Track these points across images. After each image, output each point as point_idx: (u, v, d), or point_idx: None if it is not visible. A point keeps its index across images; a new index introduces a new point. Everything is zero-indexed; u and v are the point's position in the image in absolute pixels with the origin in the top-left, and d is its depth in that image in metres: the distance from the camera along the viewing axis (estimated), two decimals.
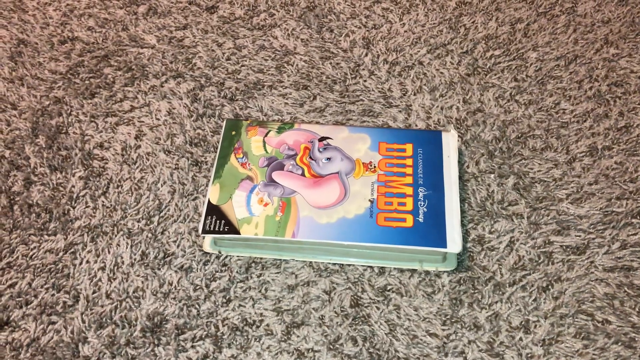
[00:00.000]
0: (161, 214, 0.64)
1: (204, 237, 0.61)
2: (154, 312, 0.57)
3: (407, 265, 0.59)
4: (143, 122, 0.71)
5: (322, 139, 0.65)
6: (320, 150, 0.64)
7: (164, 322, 0.57)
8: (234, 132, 0.66)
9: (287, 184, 0.61)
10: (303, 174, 0.62)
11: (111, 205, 0.65)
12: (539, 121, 0.70)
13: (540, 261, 0.60)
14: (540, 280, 0.59)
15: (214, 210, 0.60)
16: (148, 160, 0.68)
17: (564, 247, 0.61)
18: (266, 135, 0.65)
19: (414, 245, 0.57)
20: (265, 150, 0.64)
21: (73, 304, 0.58)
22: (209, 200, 0.60)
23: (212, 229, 0.58)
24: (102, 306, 0.58)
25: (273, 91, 0.74)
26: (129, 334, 0.56)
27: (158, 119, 0.71)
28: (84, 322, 0.57)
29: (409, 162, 0.63)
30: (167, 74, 0.76)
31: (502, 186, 0.65)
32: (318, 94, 0.74)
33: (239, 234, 0.58)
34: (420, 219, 0.58)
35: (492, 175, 0.66)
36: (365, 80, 0.75)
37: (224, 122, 0.68)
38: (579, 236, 0.61)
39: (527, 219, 0.63)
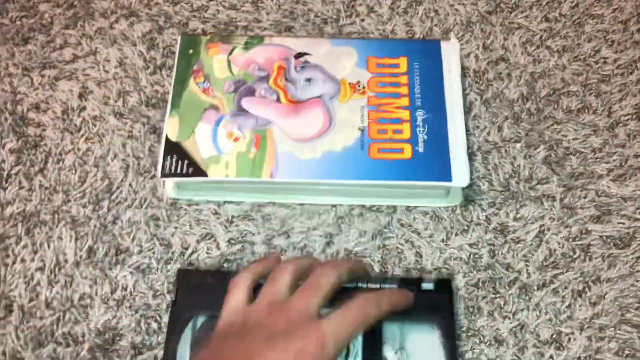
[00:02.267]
0: (112, 198, 0.52)
1: (163, 182, 0.51)
2: (105, 326, 0.47)
3: (404, 202, 0.51)
4: (88, 75, 0.57)
5: (298, 55, 0.54)
6: (298, 69, 0.53)
7: (117, 339, 0.47)
8: (191, 51, 0.54)
9: (260, 113, 0.51)
10: (278, 100, 0.52)
11: (51, 185, 0.52)
12: (574, 74, 0.57)
13: (575, 256, 0.49)
14: (575, 282, 0.48)
15: (173, 149, 0.49)
16: (95, 126, 0.55)
17: (604, 238, 0.50)
18: (231, 53, 0.54)
19: (414, 180, 0.48)
20: (231, 72, 0.53)
21: (5, 315, 0.47)
22: (166, 137, 0.50)
23: (172, 171, 0.48)
24: (41, 318, 0.47)
25: (249, 33, 0.60)
26: (75, 354, 0.46)
27: (107, 72, 0.58)
28: (18, 339, 0.47)
29: (404, 79, 0.53)
30: (117, 12, 0.61)
31: (530, 159, 0.53)
32: (305, 37, 0.60)
33: (207, 176, 0.48)
34: (419, 149, 0.49)
35: (519, 145, 0.54)
36: (362, 20, 0.61)
37: (179, 37, 0.55)
38: (622, 224, 0.51)
39: (560, 201, 0.51)
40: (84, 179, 0.52)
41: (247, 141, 0.49)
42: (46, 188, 0.52)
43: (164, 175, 0.48)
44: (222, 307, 0.40)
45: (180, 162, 0.49)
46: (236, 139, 0.49)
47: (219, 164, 0.49)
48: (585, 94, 0.56)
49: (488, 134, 0.54)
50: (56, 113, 0.56)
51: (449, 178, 0.48)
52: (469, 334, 0.47)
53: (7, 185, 0.52)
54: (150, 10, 0.61)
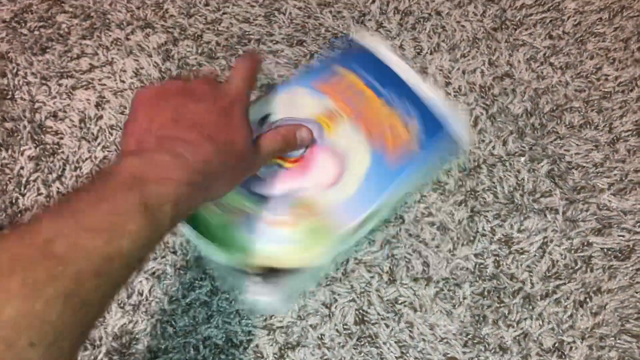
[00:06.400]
0: None
1: None
2: (121, 330, 0.48)
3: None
4: (105, 85, 0.59)
5: (261, 121, 0.51)
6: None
7: (133, 342, 0.48)
8: None
9: (282, 189, 0.50)
10: (282, 167, 0.50)
11: (68, 192, 0.54)
12: (577, 90, 0.59)
13: (577, 268, 0.51)
14: (577, 292, 0.50)
15: None
16: (111, 135, 0.56)
17: (605, 251, 0.52)
18: None
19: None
20: None
21: None
22: None
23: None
24: None
25: (261, 47, 0.62)
26: (93, 357, 0.47)
27: (123, 82, 0.59)
28: None
29: (361, 85, 0.52)
30: (133, 24, 0.62)
31: (533, 173, 0.55)
32: (316, 51, 0.61)
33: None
34: (419, 132, 0.49)
35: (523, 159, 0.56)
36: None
37: None
38: (623, 237, 0.52)
39: (563, 214, 0.53)
40: None
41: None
42: (63, 195, 0.54)
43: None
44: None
45: None
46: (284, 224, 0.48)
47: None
48: (587, 110, 0.58)
49: (493, 147, 0.56)
50: (73, 122, 0.57)
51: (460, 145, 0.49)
52: (475, 341, 0.48)
53: (25, 191, 0.54)
54: (166, 22, 0.62)
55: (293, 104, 0.51)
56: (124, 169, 0.37)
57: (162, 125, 0.41)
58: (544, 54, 0.61)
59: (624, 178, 0.55)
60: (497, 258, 0.51)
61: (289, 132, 0.48)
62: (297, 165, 0.49)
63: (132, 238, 0.34)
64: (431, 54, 0.61)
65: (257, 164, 0.47)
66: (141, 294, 0.50)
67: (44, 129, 0.57)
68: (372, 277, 0.50)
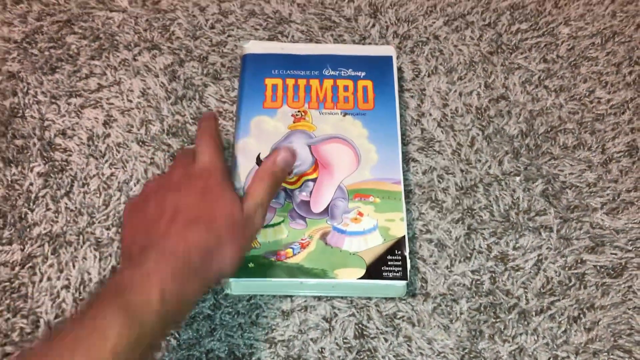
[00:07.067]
0: None
1: None
2: None
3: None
4: (113, 104, 0.61)
5: (257, 160, 0.54)
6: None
7: None
8: None
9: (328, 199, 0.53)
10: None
11: (76, 208, 0.55)
12: (570, 112, 0.61)
13: (571, 284, 0.52)
14: (571, 308, 0.51)
15: None
16: (119, 152, 0.58)
17: (598, 268, 0.53)
18: None
19: None
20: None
21: (32, 331, 0.50)
22: None
23: None
24: None
25: None
26: None
27: (130, 101, 0.61)
28: None
29: (291, 81, 0.59)
30: (140, 45, 0.64)
31: (528, 192, 0.57)
32: None
33: None
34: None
35: (518, 179, 0.57)
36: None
37: None
38: (615, 254, 0.54)
39: (557, 232, 0.55)
40: (108, 202, 0.55)
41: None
42: (72, 210, 0.55)
43: None
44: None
45: None
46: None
47: None
48: (581, 132, 0.60)
49: (489, 167, 0.58)
50: (82, 139, 0.59)
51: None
52: (472, 355, 0.49)
53: (34, 207, 0.55)
54: (172, 44, 0.65)
55: (261, 132, 0.56)
56: (110, 281, 0.39)
57: (146, 231, 0.43)
58: (539, 77, 0.63)
59: (616, 198, 0.56)
60: (493, 275, 0.53)
61: (269, 166, 0.48)
62: (317, 173, 0.54)
63: (113, 344, 0.34)
64: (429, 76, 0.63)
65: (257, 219, 0.46)
66: None
67: (53, 146, 0.58)
68: None
